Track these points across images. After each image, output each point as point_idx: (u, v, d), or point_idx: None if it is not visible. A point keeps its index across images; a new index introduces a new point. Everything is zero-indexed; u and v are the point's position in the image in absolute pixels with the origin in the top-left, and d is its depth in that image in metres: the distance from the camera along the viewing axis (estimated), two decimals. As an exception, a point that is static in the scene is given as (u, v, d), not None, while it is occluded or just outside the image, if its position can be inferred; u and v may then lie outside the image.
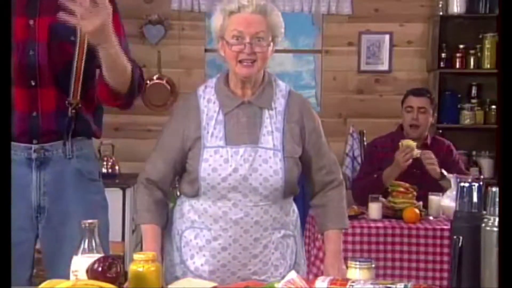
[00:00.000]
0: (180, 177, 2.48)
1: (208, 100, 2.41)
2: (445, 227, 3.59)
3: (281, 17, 2.40)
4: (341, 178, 2.55)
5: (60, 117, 2.40)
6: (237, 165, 2.32)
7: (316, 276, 3.18)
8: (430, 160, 4.08)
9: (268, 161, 2.34)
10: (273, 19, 2.36)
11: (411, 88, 4.60)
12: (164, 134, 2.46)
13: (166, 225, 2.47)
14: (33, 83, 2.38)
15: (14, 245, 2.14)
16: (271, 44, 2.36)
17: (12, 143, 2.35)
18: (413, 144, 4.04)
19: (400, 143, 4.06)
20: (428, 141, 4.28)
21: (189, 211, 2.43)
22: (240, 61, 2.33)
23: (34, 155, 2.40)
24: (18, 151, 2.38)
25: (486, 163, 5.64)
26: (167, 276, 2.43)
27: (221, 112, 2.38)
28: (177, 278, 2.38)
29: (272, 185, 2.34)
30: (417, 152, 4.03)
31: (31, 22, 2.38)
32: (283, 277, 2.35)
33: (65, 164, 2.44)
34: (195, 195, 2.39)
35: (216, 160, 2.33)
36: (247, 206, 2.35)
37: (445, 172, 4.04)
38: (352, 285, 1.88)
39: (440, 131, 5.42)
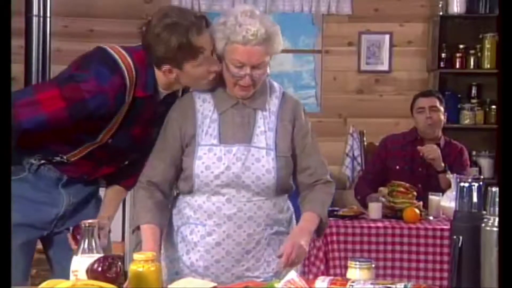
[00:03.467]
0: None
1: (203, 100, 2.44)
2: (445, 227, 3.59)
3: (280, 35, 2.38)
4: (327, 178, 2.50)
5: None
6: (230, 164, 2.35)
7: (316, 276, 3.18)
8: (431, 152, 4.09)
9: (260, 160, 2.37)
10: (274, 45, 2.36)
11: (412, 88, 4.62)
12: (162, 135, 2.46)
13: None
14: None
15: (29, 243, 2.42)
16: (269, 62, 2.38)
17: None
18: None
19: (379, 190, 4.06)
20: (441, 143, 4.28)
21: (184, 208, 2.46)
22: (240, 85, 2.36)
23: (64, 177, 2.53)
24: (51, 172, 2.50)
25: (486, 163, 5.64)
26: (166, 272, 2.45)
27: (215, 111, 2.41)
28: (176, 274, 2.41)
29: (264, 183, 2.37)
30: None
31: None
32: (275, 273, 2.39)
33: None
34: (190, 191, 2.42)
35: (210, 158, 2.36)
36: (241, 202, 2.38)
37: (448, 170, 4.05)
38: (352, 285, 1.88)
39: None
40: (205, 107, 2.42)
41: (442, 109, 4.33)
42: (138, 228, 2.41)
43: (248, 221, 2.40)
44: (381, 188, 4.02)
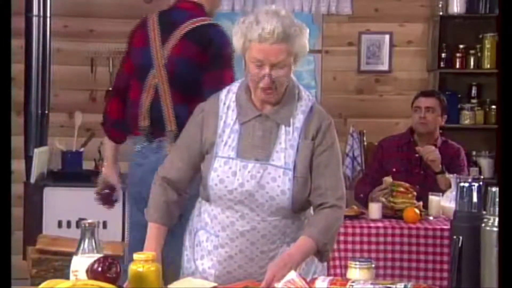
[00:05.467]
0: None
1: (228, 107, 2.36)
2: (445, 227, 3.58)
3: (305, 36, 2.30)
4: (334, 202, 2.32)
5: None
6: (244, 181, 2.29)
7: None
8: (431, 153, 4.10)
9: (276, 180, 2.28)
10: (295, 46, 2.26)
11: (412, 88, 4.63)
12: (184, 134, 2.44)
13: (176, 222, 2.44)
14: None
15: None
16: (292, 65, 2.29)
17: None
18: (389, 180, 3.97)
19: (383, 180, 3.97)
20: (438, 143, 4.28)
21: (204, 212, 2.42)
22: (260, 87, 2.27)
23: None
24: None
25: (486, 163, 5.64)
26: (184, 271, 2.44)
27: (237, 121, 2.34)
28: (192, 274, 2.39)
29: (279, 204, 2.29)
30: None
31: None
32: None
33: None
34: (207, 199, 2.38)
35: (225, 171, 2.30)
36: (255, 220, 2.31)
37: (445, 171, 4.05)
38: (352, 285, 1.89)
39: (441, 131, 5.42)
40: (228, 115, 2.35)
41: (440, 110, 4.32)
42: None
43: (262, 239, 2.33)
44: (385, 178, 3.95)
